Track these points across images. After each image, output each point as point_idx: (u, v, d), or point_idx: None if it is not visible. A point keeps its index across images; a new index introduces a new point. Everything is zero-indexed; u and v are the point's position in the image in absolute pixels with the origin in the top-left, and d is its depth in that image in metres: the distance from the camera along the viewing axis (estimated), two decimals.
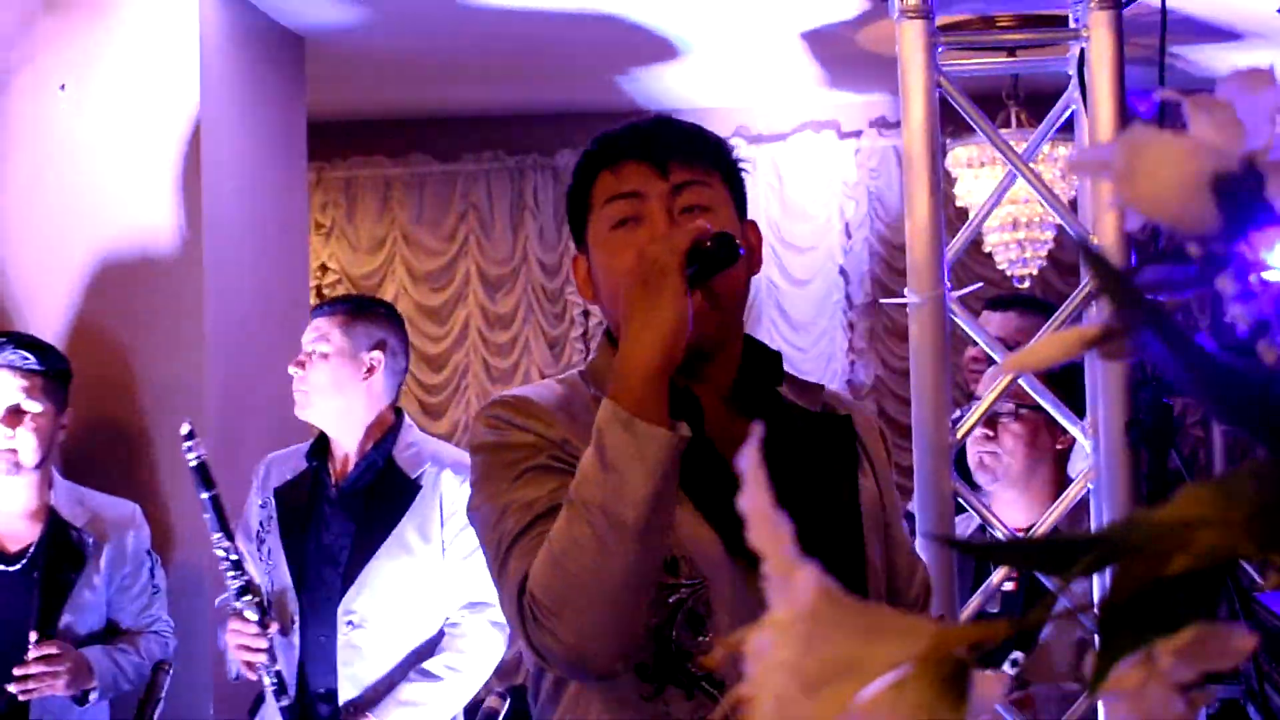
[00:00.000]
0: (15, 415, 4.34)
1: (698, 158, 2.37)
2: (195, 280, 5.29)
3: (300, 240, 6.56)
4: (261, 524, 4.28)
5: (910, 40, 3.23)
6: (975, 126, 3.34)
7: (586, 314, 9.23)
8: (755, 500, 0.81)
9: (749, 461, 0.83)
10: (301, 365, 4.30)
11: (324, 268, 9.27)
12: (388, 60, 7.65)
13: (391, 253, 9.36)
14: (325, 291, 9.06)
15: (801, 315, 9.22)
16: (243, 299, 5.67)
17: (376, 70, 7.85)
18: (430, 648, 4.27)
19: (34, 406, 4.35)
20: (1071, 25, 3.39)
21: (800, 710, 0.76)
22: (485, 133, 9.31)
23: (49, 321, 5.21)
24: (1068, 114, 3.43)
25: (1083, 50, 3.29)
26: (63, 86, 5.27)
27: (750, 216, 2.46)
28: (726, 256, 2.19)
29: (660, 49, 7.71)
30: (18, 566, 4.38)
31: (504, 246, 9.35)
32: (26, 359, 4.37)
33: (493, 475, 2.33)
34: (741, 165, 2.46)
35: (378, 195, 9.37)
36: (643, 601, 2.20)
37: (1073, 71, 3.36)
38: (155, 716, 4.68)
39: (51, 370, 4.43)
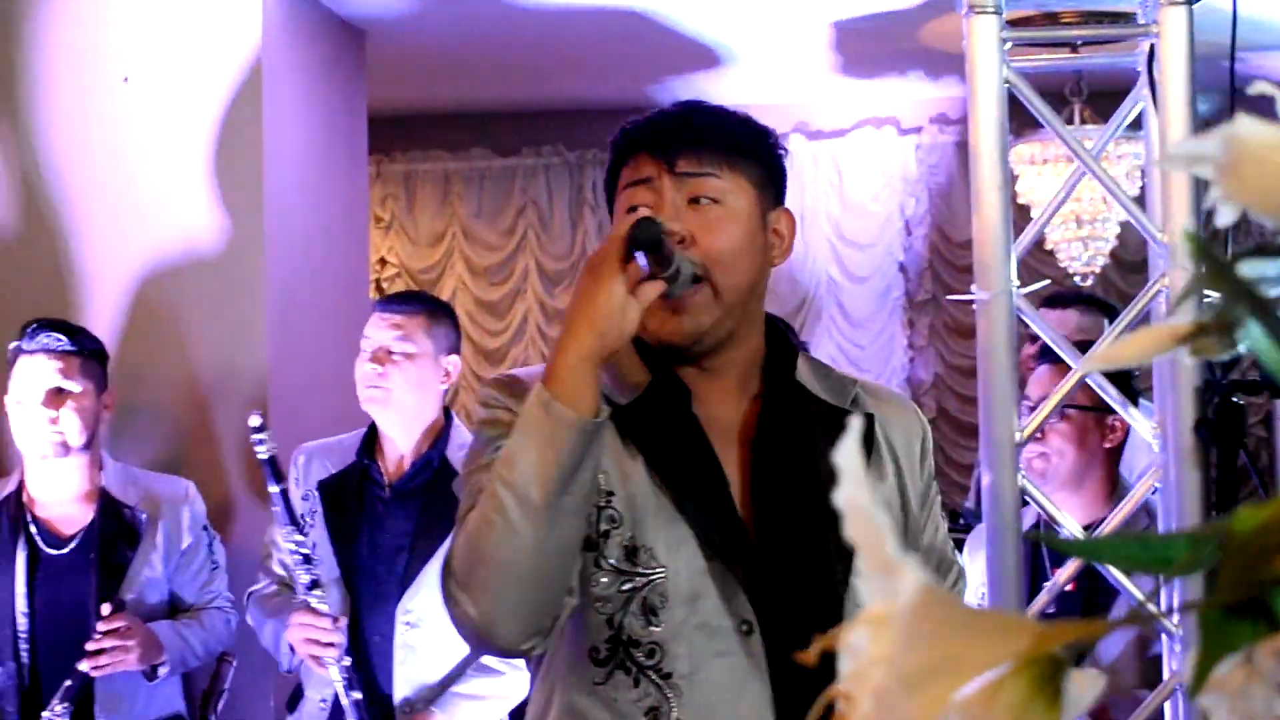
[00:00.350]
0: (57, 397, 4.35)
1: (707, 149, 2.38)
2: (256, 272, 5.30)
3: (360, 234, 6.57)
4: (303, 516, 4.25)
5: (980, 36, 3.20)
6: (1045, 123, 3.30)
7: None
8: (854, 494, 0.80)
9: (848, 456, 0.82)
10: (381, 363, 4.23)
11: (383, 261, 9.30)
12: (448, 54, 7.65)
13: (451, 247, 9.38)
14: (384, 285, 9.09)
15: (861, 312, 9.19)
16: (303, 291, 5.68)
17: (437, 63, 7.86)
18: None
19: (73, 387, 4.36)
20: (1140, 22, 3.35)
21: (899, 708, 0.75)
22: (545, 127, 9.31)
23: (110, 312, 5.22)
24: (1136, 111, 3.40)
25: (1152, 46, 3.26)
26: (126, 79, 5.29)
27: (790, 206, 2.48)
28: (645, 240, 2.18)
29: (717, 49, 7.70)
30: (73, 549, 4.40)
31: (563, 241, 9.36)
32: (60, 340, 4.38)
33: (474, 451, 2.39)
34: (779, 152, 2.48)
35: (437, 189, 9.39)
36: (551, 582, 2.24)
37: (1142, 68, 3.33)
38: (219, 707, 4.69)
39: (85, 350, 4.44)
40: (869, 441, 2.42)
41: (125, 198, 5.29)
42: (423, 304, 4.38)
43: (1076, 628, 0.79)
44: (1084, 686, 0.81)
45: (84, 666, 4.18)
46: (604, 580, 2.32)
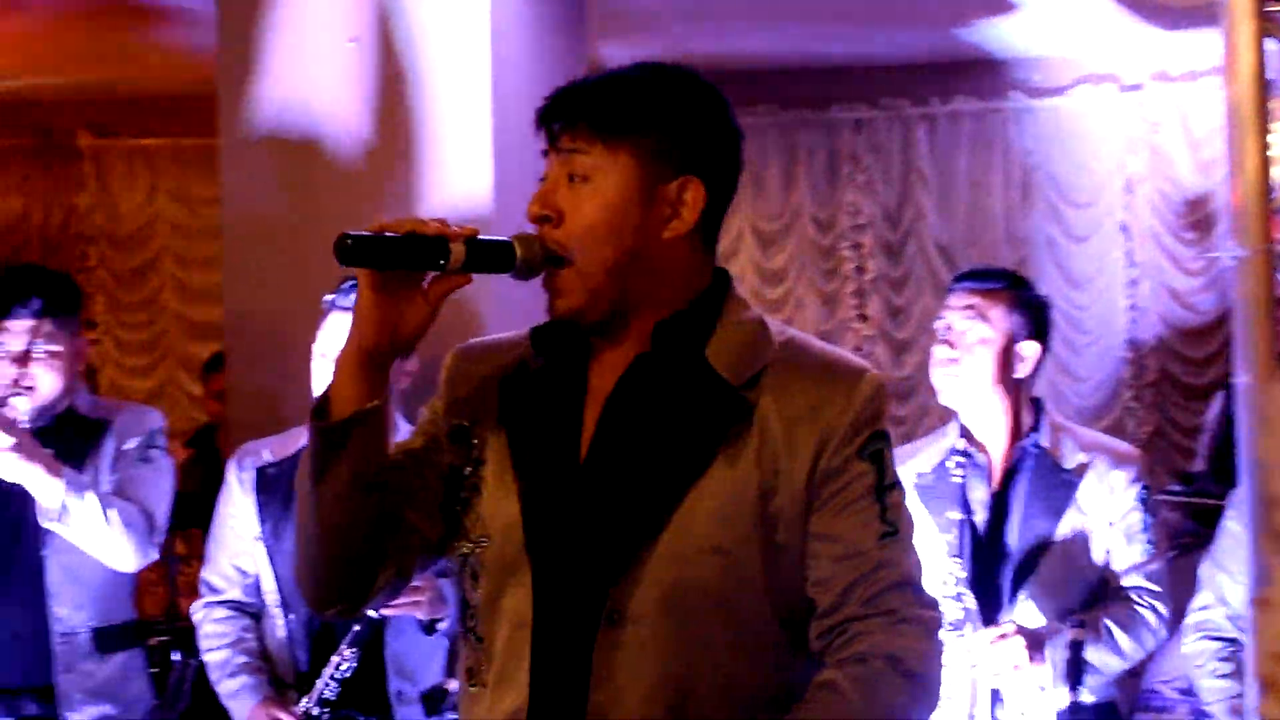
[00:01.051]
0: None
1: (583, 125, 2.39)
2: (484, 233, 5.30)
3: None
4: None
5: None
6: None
7: (860, 269, 9.15)
8: None
9: None
10: None
11: None
12: (665, 11, 7.63)
13: None
14: None
15: (1081, 272, 9.04)
16: None
17: (653, 22, 7.83)
18: None
19: None
20: None
21: None
22: (757, 87, 9.24)
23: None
24: None
25: None
26: (353, 40, 5.31)
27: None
28: (349, 258, 2.29)
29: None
30: None
31: (776, 202, 9.30)
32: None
33: None
34: (692, 117, 2.42)
35: None
36: (338, 556, 2.45)
37: None
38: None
39: None
40: (734, 424, 2.36)
41: (352, 158, 5.32)
42: None
43: None
44: None
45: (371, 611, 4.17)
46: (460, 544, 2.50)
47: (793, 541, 2.37)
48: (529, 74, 5.70)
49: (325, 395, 2.40)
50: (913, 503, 4.31)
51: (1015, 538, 4.23)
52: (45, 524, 4.28)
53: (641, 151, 2.38)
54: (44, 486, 4.23)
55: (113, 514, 4.33)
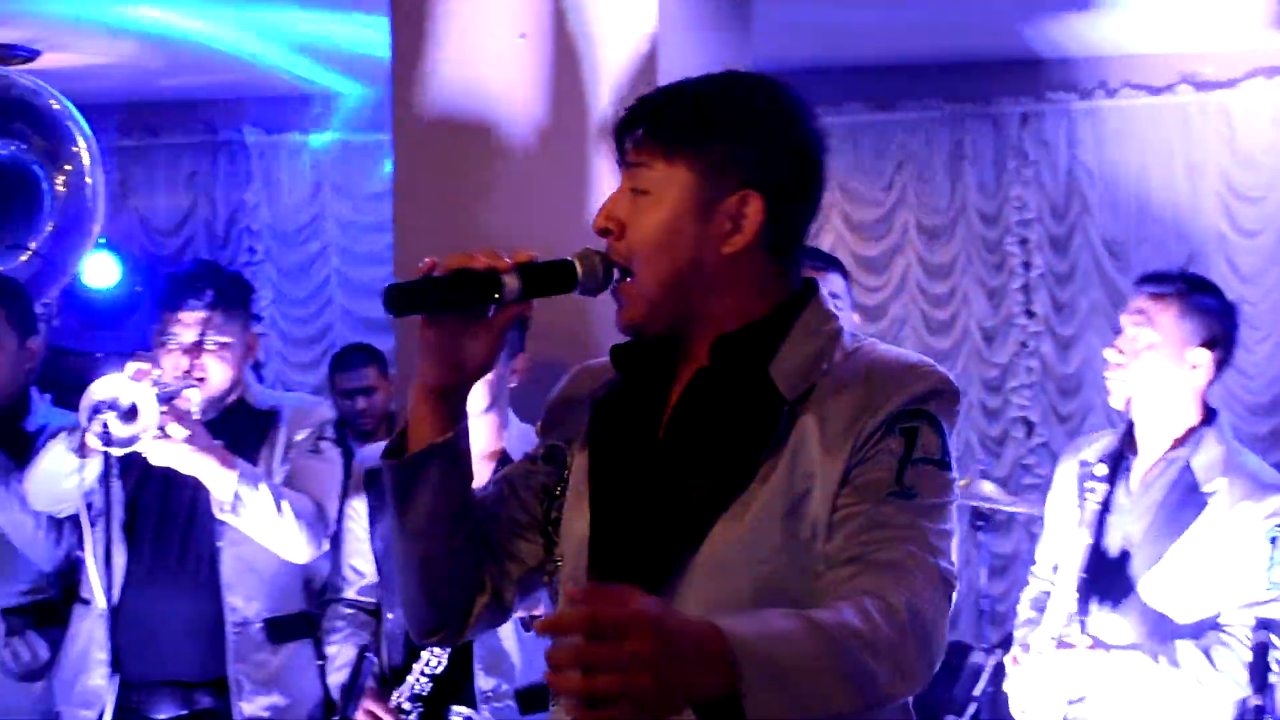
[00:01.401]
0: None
1: (646, 139, 2.40)
2: None
3: None
4: None
5: None
6: None
7: (1026, 264, 9.05)
8: None
9: None
10: None
11: None
12: (826, 7, 7.58)
13: (828, 202, 9.26)
14: None
15: (1251, 268, 8.87)
16: None
17: (814, 18, 7.79)
18: None
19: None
20: None
21: None
22: (922, 81, 9.17)
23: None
24: None
25: None
26: (522, 35, 5.32)
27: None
28: (399, 307, 2.33)
29: None
30: None
31: (942, 196, 9.22)
32: None
33: None
34: (756, 130, 2.39)
35: None
36: (414, 586, 2.53)
37: None
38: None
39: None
40: (777, 438, 2.31)
41: (522, 153, 5.33)
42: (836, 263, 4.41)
43: None
44: None
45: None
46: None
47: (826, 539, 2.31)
48: (695, 71, 5.68)
49: (401, 431, 2.46)
50: (1070, 491, 4.29)
51: (1135, 549, 4.17)
52: (219, 516, 4.33)
53: (700, 165, 2.37)
54: (217, 478, 4.28)
55: (285, 505, 4.37)
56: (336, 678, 4.43)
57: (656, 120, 2.41)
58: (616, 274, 2.40)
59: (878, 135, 9.27)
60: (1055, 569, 4.31)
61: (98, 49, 8.32)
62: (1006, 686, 4.31)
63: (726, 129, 2.38)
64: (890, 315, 9.11)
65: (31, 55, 8.28)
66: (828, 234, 9.21)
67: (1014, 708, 4.26)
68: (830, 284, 4.31)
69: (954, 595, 2.30)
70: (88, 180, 6.79)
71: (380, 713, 4.25)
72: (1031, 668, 4.17)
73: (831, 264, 4.50)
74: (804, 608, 2.17)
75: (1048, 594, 4.34)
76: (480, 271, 2.32)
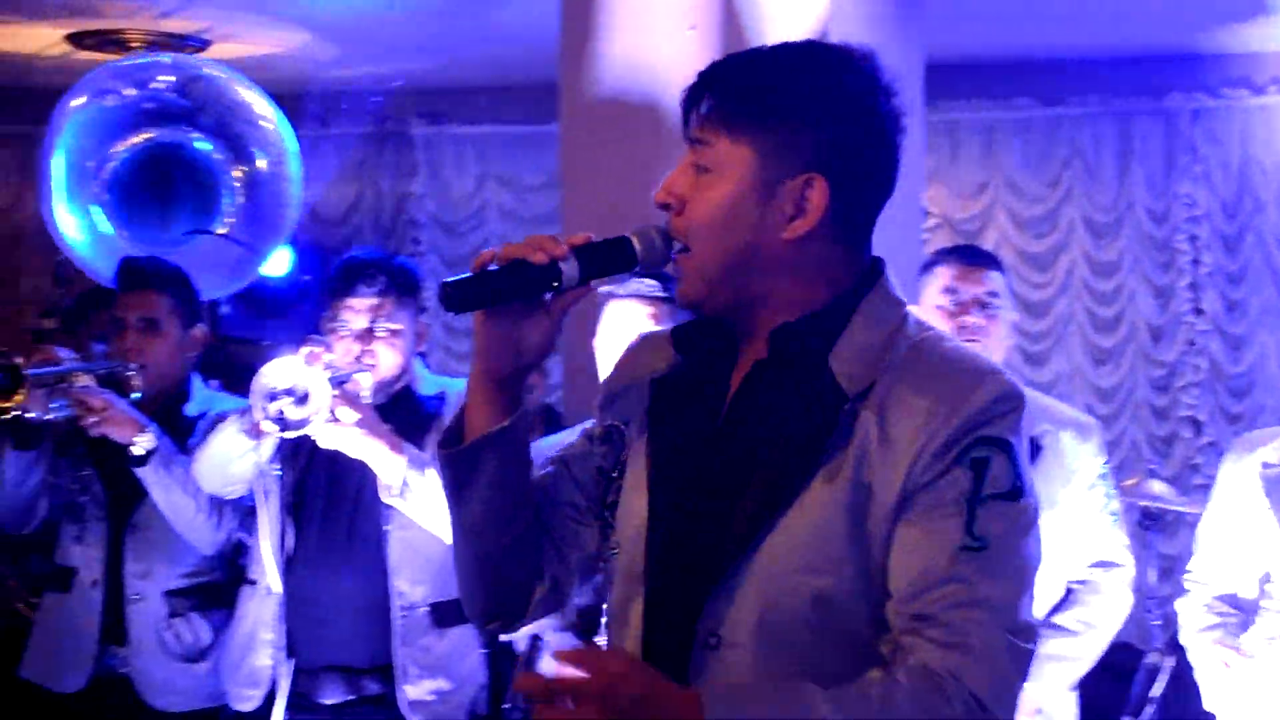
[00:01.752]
0: None
1: (711, 115, 2.31)
2: None
3: (915, 186, 6.48)
4: None
5: None
6: None
7: (1196, 262, 8.92)
8: None
9: None
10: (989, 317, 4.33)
11: (925, 212, 9.21)
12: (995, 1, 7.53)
13: (993, 198, 9.21)
14: (925, 237, 9.00)
15: None
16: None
17: (985, 11, 7.73)
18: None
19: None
20: None
21: None
22: (1090, 76, 9.07)
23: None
24: None
25: None
26: (693, 27, 5.32)
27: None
28: (455, 304, 2.28)
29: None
30: None
31: (1109, 193, 9.10)
32: (653, 288, 4.38)
33: None
34: (826, 113, 2.28)
35: (980, 139, 9.23)
36: (471, 575, 2.49)
37: None
38: None
39: (669, 298, 4.44)
40: (838, 438, 2.20)
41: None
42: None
43: None
44: None
45: None
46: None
47: (882, 552, 2.20)
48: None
49: (456, 421, 2.41)
50: (1254, 491, 4.22)
51: None
52: (386, 500, 4.35)
53: (764, 145, 2.27)
54: (386, 462, 4.30)
55: None
56: None
57: (722, 95, 2.30)
58: (677, 247, 2.34)
59: (1046, 130, 9.17)
60: (1267, 577, 4.20)
61: (267, 39, 8.42)
62: (1213, 692, 4.22)
63: (794, 108, 2.27)
64: (1055, 312, 9.01)
65: (202, 46, 8.40)
66: (992, 230, 9.13)
67: (1224, 711, 4.18)
68: (990, 282, 4.30)
69: (1033, 651, 2.19)
70: (280, 169, 6.88)
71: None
72: (1251, 671, 4.10)
73: (991, 262, 4.47)
74: (860, 627, 2.18)
75: (1228, 598, 4.26)
76: (535, 263, 2.27)
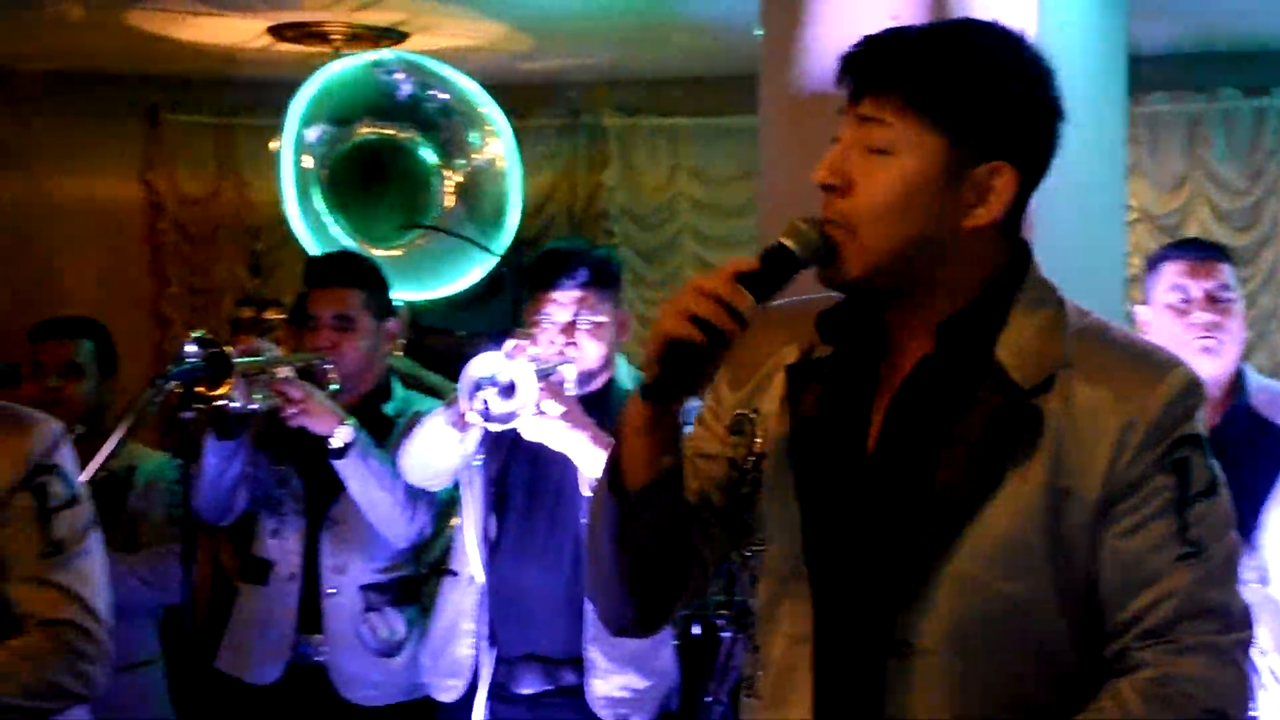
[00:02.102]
0: None
1: (891, 93, 2.19)
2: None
3: (1118, 181, 6.37)
4: None
5: None
6: None
7: None
8: None
9: None
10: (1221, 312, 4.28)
11: (1126, 206, 9.08)
12: None
13: (1194, 191, 9.05)
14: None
15: None
16: (1062, 239, 5.56)
17: (1193, 3, 7.62)
18: None
19: None
20: None
21: None
22: None
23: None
24: None
25: None
26: (894, 17, 5.27)
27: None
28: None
29: None
30: None
31: None
32: None
33: None
34: (1018, 98, 2.20)
35: (1182, 131, 9.06)
36: (620, 594, 2.34)
37: None
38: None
39: None
40: (1024, 436, 2.14)
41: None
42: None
43: None
44: None
45: None
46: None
47: (1086, 560, 2.15)
48: (1079, 50, 5.57)
49: (615, 458, 2.26)
50: None
51: None
52: (587, 493, 4.36)
53: (953, 129, 2.18)
54: (589, 456, 4.30)
55: None
56: None
57: (909, 77, 2.19)
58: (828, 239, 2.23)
59: (1251, 122, 8.98)
60: None
61: (463, 31, 8.47)
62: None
63: (983, 93, 2.19)
64: (1259, 307, 8.83)
65: (400, 38, 8.47)
66: (1192, 224, 8.97)
67: None
68: (1221, 275, 4.22)
69: (1253, 636, 2.18)
70: (499, 164, 6.97)
71: None
72: None
73: (1220, 255, 4.39)
74: (1061, 647, 2.15)
75: None
76: (728, 329, 2.14)
